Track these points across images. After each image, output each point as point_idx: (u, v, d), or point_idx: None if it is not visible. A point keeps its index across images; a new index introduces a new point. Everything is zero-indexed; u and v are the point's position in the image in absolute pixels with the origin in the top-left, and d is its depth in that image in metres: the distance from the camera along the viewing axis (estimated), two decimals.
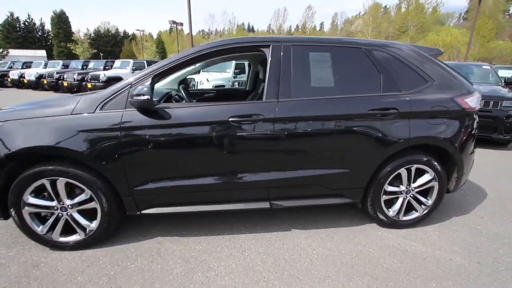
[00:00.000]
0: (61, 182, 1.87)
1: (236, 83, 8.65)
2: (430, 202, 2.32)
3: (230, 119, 1.89)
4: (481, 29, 29.13)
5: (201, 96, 3.58)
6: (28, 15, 58.00)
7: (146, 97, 1.72)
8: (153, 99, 2.20)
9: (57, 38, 51.48)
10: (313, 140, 2.01)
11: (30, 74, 15.19)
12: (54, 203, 1.92)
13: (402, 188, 2.27)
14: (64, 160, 1.86)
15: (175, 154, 1.92)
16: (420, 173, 2.25)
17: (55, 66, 17.02)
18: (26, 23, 54.61)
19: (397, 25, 37.34)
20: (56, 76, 13.92)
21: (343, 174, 2.10)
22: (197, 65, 3.35)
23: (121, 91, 1.90)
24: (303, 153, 2.04)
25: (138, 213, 2.03)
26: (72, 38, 42.59)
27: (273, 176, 2.03)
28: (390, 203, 2.32)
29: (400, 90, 2.11)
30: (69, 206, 1.94)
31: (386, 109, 2.04)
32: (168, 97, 2.49)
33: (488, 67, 6.44)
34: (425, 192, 2.33)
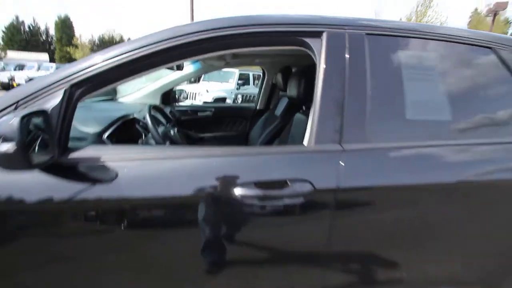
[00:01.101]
0: None
1: (239, 96, 7.64)
2: None
3: (238, 194, 0.83)
4: None
5: (192, 116, 2.49)
6: (33, 19, 57.97)
7: (7, 146, 0.65)
8: (95, 130, 1.17)
9: (60, 42, 51.25)
10: (416, 235, 0.96)
11: (20, 78, 14.33)
12: None
13: None
14: None
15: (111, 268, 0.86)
16: None
17: (49, 69, 16.14)
18: (31, 27, 54.51)
19: None
20: None
21: None
22: (188, 72, 2.32)
23: None
24: (395, 261, 0.98)
25: None
26: (73, 42, 42.00)
27: None
28: None
29: None
30: None
31: None
32: (128, 124, 1.43)
33: None
34: None
